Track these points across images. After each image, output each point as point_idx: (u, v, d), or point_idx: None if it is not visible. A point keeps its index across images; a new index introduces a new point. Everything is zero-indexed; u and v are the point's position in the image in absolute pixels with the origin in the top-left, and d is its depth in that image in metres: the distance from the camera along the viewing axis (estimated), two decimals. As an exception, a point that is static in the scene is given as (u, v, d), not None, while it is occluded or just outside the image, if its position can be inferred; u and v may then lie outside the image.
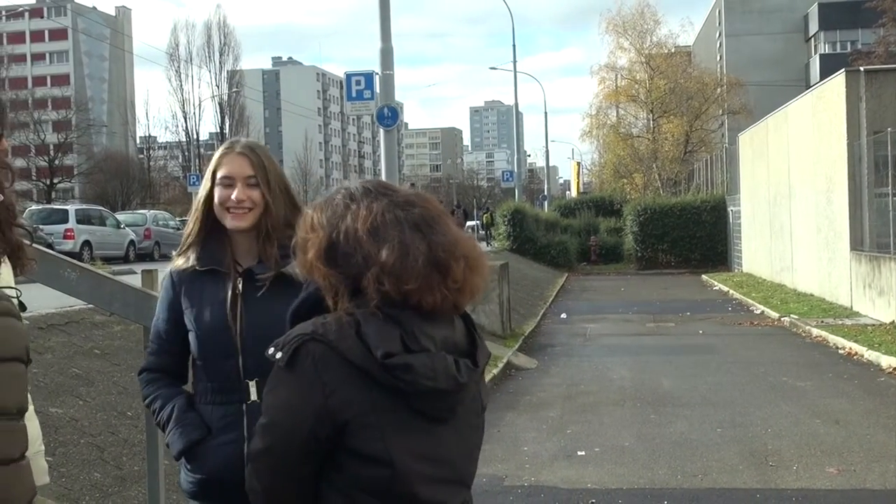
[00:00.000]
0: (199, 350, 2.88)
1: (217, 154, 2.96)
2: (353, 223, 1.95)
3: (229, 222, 2.85)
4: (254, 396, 2.81)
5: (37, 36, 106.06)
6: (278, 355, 1.91)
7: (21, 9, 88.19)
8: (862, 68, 19.00)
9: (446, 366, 1.91)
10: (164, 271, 3.07)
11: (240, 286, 2.86)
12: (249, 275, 2.87)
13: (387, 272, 1.88)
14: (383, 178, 18.78)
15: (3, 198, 2.58)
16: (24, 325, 1.70)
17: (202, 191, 2.92)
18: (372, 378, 1.87)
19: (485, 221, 45.14)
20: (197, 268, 2.89)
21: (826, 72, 31.12)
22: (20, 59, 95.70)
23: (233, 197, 2.83)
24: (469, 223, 42.51)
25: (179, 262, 2.95)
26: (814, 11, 60.61)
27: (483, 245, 34.17)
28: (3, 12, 79.62)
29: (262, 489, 1.97)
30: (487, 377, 11.16)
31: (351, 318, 1.91)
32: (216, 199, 2.86)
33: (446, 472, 1.99)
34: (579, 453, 8.04)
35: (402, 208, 1.98)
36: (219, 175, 2.88)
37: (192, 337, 2.89)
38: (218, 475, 2.81)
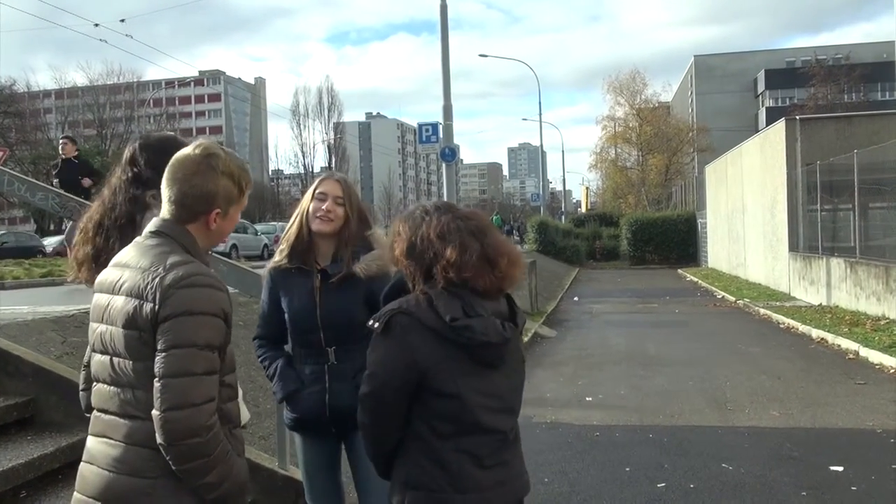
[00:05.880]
0: (292, 326, 2.95)
1: (318, 179, 3.03)
2: (426, 230, 2.07)
3: (315, 225, 2.91)
4: (332, 359, 2.89)
5: (199, 98, 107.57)
6: (375, 325, 2.03)
7: (188, 79, 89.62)
8: (798, 117, 18.69)
9: (496, 325, 2.02)
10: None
11: (317, 281, 2.91)
12: (325, 273, 2.92)
13: (451, 264, 2.00)
14: (444, 200, 18.88)
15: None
16: (224, 295, 1.92)
17: (303, 204, 2.97)
18: (443, 337, 1.98)
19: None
20: (288, 266, 2.94)
21: (770, 120, 30.54)
22: (187, 115, 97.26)
23: (323, 207, 2.89)
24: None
25: (276, 258, 3.00)
26: (761, 76, 59.65)
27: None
28: (177, 83, 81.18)
29: (369, 422, 2.08)
30: (520, 343, 11.17)
31: (425, 296, 2.02)
32: (310, 209, 2.92)
33: (499, 404, 2.06)
34: (587, 399, 7.99)
35: (463, 220, 2.10)
36: (317, 191, 2.93)
37: (287, 316, 2.94)
38: (307, 415, 2.92)
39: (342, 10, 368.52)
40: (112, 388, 1.91)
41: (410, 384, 1.98)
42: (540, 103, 45.03)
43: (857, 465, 5.48)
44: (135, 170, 2.97)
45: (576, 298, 19.73)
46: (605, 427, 6.81)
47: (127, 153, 3.04)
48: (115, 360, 1.90)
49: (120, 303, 1.89)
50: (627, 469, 5.55)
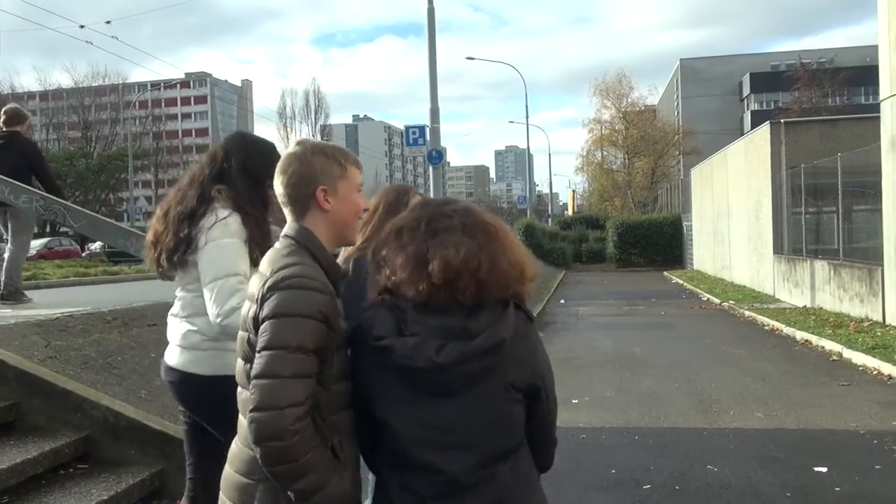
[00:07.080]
0: None
1: (409, 191, 3.04)
2: (388, 230, 1.84)
3: None
4: None
5: (185, 101, 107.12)
6: None
7: (174, 81, 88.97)
8: (782, 121, 18.81)
9: (427, 348, 1.67)
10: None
11: None
12: None
13: (386, 265, 1.77)
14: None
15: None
16: (326, 297, 1.83)
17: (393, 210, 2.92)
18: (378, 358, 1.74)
19: None
20: None
21: (755, 123, 30.75)
22: (173, 117, 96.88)
23: None
24: None
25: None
26: (746, 79, 60.07)
27: None
28: (162, 85, 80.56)
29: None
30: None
31: (373, 308, 1.79)
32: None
33: (446, 438, 1.72)
34: (573, 401, 7.98)
35: (434, 219, 1.77)
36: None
37: None
38: None
39: (328, 11, 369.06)
40: (240, 388, 1.98)
41: (359, 401, 1.82)
42: (527, 106, 45.17)
43: (841, 465, 5.51)
44: (224, 165, 2.91)
45: (562, 301, 19.75)
46: (592, 429, 6.80)
47: (221, 149, 2.99)
48: (239, 361, 1.97)
49: (245, 308, 1.95)
50: (613, 471, 5.56)
